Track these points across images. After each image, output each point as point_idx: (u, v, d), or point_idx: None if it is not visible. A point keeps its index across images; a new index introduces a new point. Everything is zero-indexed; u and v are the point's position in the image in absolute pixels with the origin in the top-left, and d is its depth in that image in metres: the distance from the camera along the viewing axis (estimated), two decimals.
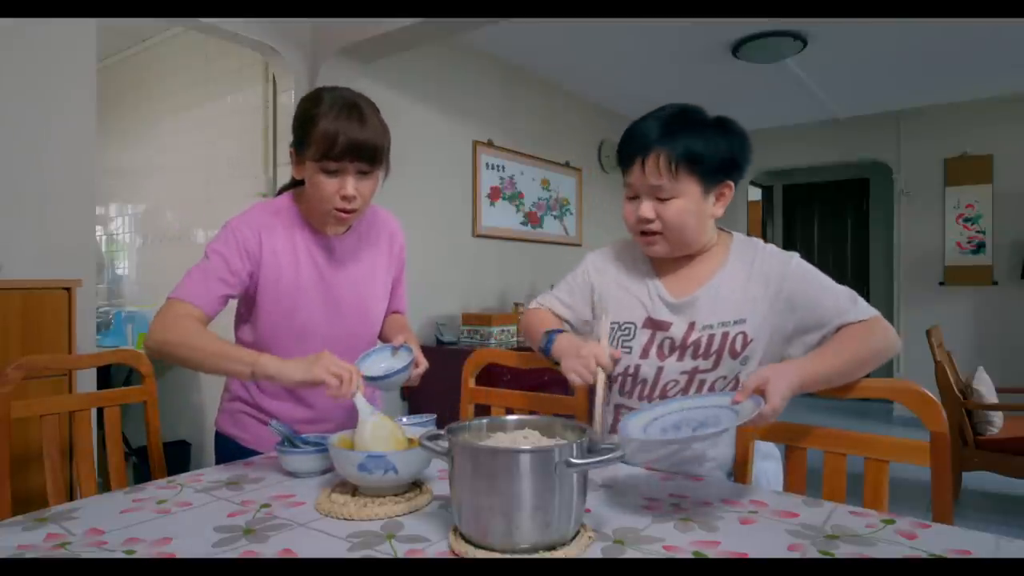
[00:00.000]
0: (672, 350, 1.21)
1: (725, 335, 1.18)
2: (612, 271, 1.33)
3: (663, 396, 1.20)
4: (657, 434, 1.00)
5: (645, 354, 1.22)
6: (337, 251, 1.38)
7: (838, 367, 1.08)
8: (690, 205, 1.16)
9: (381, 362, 1.29)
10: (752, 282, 1.19)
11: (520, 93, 4.39)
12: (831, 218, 6.83)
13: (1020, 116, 4.87)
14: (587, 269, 1.37)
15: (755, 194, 6.93)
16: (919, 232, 5.27)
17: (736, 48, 3.90)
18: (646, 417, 1.04)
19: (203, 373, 1.25)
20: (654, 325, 1.23)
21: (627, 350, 1.24)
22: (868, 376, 1.13)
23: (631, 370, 1.24)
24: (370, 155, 1.23)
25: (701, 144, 1.13)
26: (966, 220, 5.09)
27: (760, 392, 0.97)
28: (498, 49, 4.03)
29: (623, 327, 1.26)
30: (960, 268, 5.10)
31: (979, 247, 5.04)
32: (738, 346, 1.17)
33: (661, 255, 1.24)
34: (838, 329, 1.13)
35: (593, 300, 1.34)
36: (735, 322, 1.18)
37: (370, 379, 1.23)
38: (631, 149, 1.17)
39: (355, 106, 1.23)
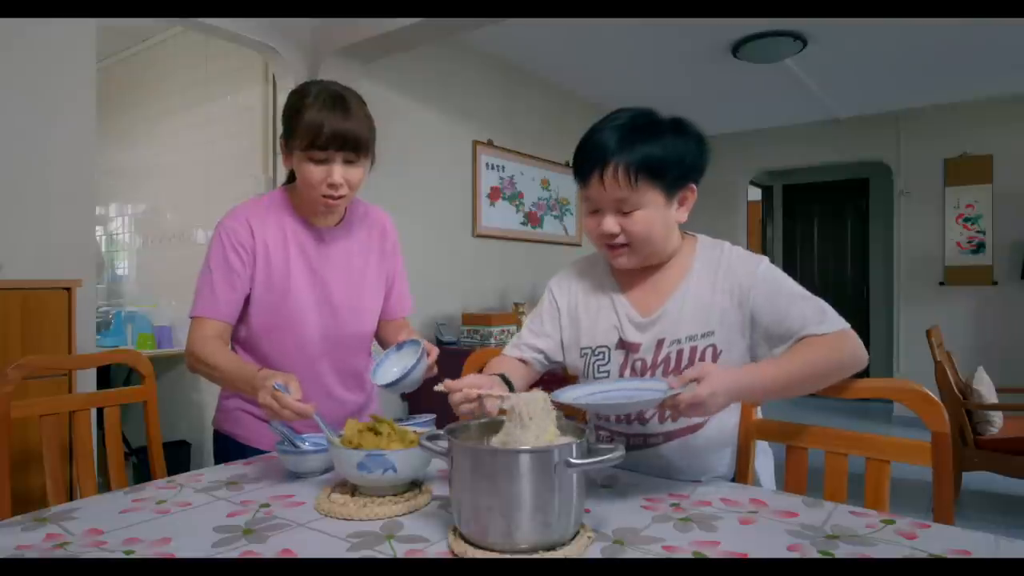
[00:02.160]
0: (644, 371, 1.17)
1: (694, 349, 1.14)
2: (578, 294, 1.28)
3: (640, 419, 1.18)
4: (586, 403, 1.00)
5: (621, 376, 1.19)
6: (327, 240, 1.39)
7: (787, 375, 1.03)
8: (654, 214, 1.12)
9: (392, 366, 1.24)
10: (718, 290, 1.15)
11: (520, 93, 4.39)
12: (831, 218, 6.83)
13: (1020, 116, 4.87)
14: (551, 294, 1.32)
15: (755, 194, 6.93)
16: (919, 232, 5.26)
17: (736, 48, 3.90)
18: (583, 391, 1.04)
19: None
20: (626, 347, 1.19)
21: (604, 374, 1.20)
22: (865, 377, 1.12)
23: None
24: (354, 144, 1.27)
25: (660, 150, 1.08)
26: (966, 220, 5.09)
27: (697, 382, 0.94)
28: (498, 49, 4.03)
29: (596, 352, 1.22)
30: (960, 268, 5.10)
31: (979, 247, 5.04)
32: (708, 359, 1.14)
33: (629, 267, 1.19)
34: (802, 339, 1.08)
35: (562, 324, 1.29)
36: (703, 335, 1.14)
37: (388, 386, 1.19)
38: (588, 162, 1.11)
39: (340, 98, 1.27)
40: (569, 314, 1.28)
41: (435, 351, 1.27)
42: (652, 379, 1.10)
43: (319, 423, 1.11)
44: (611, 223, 1.13)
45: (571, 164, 1.18)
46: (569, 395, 1.02)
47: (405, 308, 1.55)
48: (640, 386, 1.05)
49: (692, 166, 1.13)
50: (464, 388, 1.03)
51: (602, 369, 1.21)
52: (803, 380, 1.05)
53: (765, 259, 1.17)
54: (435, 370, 1.25)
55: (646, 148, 1.08)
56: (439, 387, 1.05)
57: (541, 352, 1.29)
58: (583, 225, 1.20)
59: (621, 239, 1.14)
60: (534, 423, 0.88)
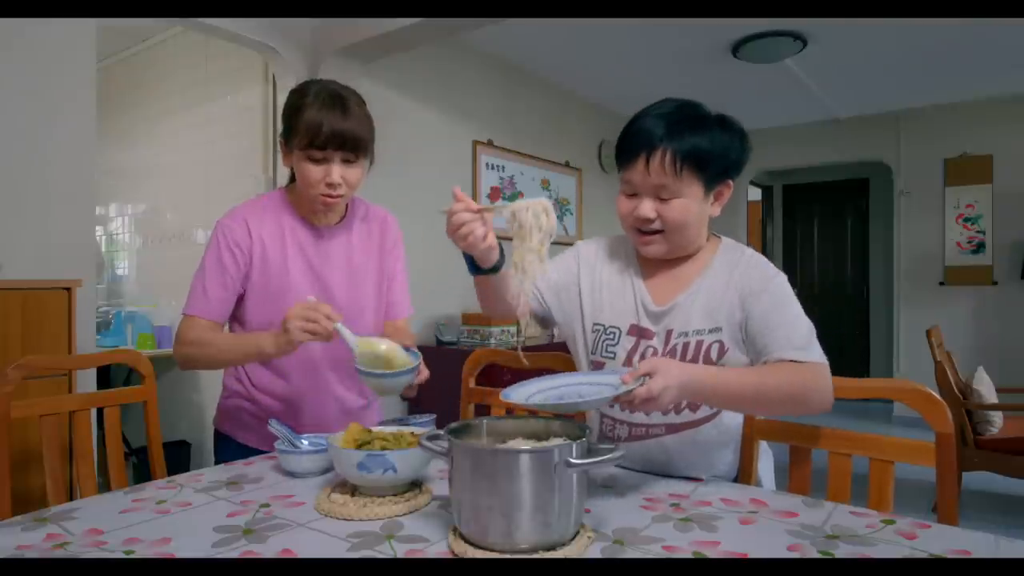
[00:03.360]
0: None
1: (700, 343, 1.15)
2: (603, 269, 1.28)
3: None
4: (538, 402, 0.99)
5: (628, 362, 1.19)
6: (326, 238, 1.40)
7: (741, 385, 1.03)
8: (692, 205, 1.13)
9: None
10: (730, 289, 1.15)
11: (520, 93, 4.39)
12: (831, 218, 6.83)
13: (1020, 116, 4.87)
14: (577, 253, 1.31)
15: (755, 194, 6.93)
16: (919, 232, 5.26)
17: (736, 48, 3.90)
18: (535, 387, 1.03)
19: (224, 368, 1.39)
20: (639, 333, 1.20)
21: (610, 356, 1.21)
22: (865, 377, 1.12)
23: None
24: (353, 144, 1.27)
25: (707, 143, 1.10)
26: (966, 220, 5.09)
27: (649, 376, 0.94)
28: (498, 49, 4.03)
29: (608, 331, 1.22)
30: (960, 268, 5.10)
31: (979, 247, 5.04)
32: (714, 355, 1.14)
33: (658, 255, 1.20)
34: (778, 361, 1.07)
35: (581, 286, 1.27)
36: (710, 330, 1.15)
37: (369, 375, 1.18)
38: (635, 146, 1.12)
39: (339, 97, 1.27)
40: (592, 285, 1.27)
41: (425, 374, 1.24)
42: (606, 373, 1.10)
43: (343, 332, 1.15)
44: (648, 208, 1.13)
45: (615, 147, 1.18)
46: (520, 393, 1.01)
47: (403, 310, 1.52)
48: (593, 380, 1.04)
49: (734, 162, 1.15)
50: (467, 205, 1.03)
51: (610, 349, 1.21)
52: (756, 397, 1.04)
53: (782, 275, 1.17)
54: (414, 392, 1.26)
55: (694, 139, 1.09)
56: (443, 209, 1.05)
57: (539, 293, 1.28)
58: (617, 208, 1.20)
59: (656, 225, 1.15)
60: (536, 228, 0.96)
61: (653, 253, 1.19)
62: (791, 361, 1.06)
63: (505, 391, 1.01)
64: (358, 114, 1.28)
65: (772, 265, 1.19)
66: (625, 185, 1.17)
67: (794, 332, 1.09)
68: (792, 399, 1.05)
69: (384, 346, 1.16)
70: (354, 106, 1.28)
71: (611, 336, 1.22)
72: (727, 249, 1.23)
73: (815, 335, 1.10)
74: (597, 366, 1.22)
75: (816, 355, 1.07)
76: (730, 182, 1.18)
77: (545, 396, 1.02)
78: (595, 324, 1.25)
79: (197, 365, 1.31)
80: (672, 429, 1.17)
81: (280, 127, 1.35)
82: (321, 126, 1.23)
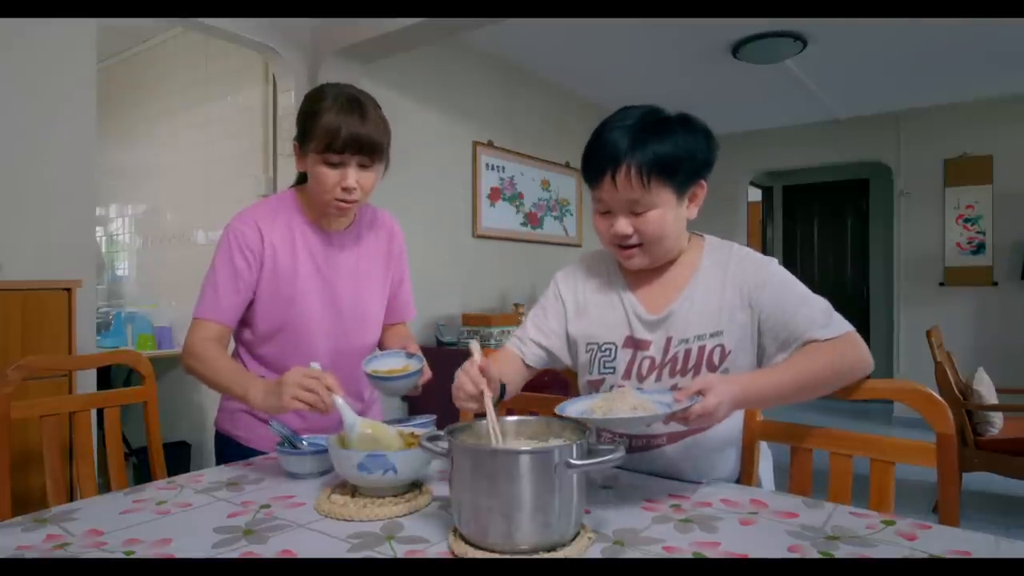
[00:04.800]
0: (652, 369, 1.16)
1: (701, 349, 1.14)
2: (586, 289, 1.26)
3: None
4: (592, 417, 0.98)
5: (628, 375, 1.18)
6: (335, 244, 1.39)
7: (789, 383, 1.03)
8: (667, 214, 1.11)
9: (395, 366, 1.29)
10: (728, 290, 1.14)
11: (520, 93, 4.39)
12: (831, 218, 6.83)
13: (1020, 116, 4.87)
14: (557, 289, 1.30)
15: (755, 194, 6.92)
16: (919, 232, 5.26)
17: (736, 48, 3.90)
18: (587, 404, 1.02)
19: None
20: (634, 344, 1.18)
21: (609, 371, 1.20)
22: (866, 377, 1.11)
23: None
24: (370, 149, 1.26)
25: (671, 148, 1.07)
26: (966, 220, 5.08)
27: (701, 395, 0.94)
28: (498, 49, 4.03)
29: (603, 348, 1.21)
30: (960, 269, 5.10)
31: (979, 247, 5.04)
32: (716, 359, 1.13)
33: (642, 267, 1.18)
34: (806, 344, 1.07)
35: (567, 318, 1.27)
36: (711, 335, 1.13)
37: (378, 379, 1.24)
38: (599, 163, 1.10)
39: (357, 101, 1.26)
40: (577, 308, 1.26)
41: (428, 374, 1.29)
42: (656, 392, 1.07)
43: (341, 407, 1.11)
44: (624, 225, 1.12)
45: (580, 165, 1.16)
46: (574, 408, 1.01)
47: (407, 313, 1.55)
48: (646, 399, 1.03)
49: (703, 162, 1.13)
50: (475, 381, 1.02)
51: (608, 365, 1.20)
52: (804, 387, 1.04)
53: (774, 260, 1.17)
54: (419, 391, 1.30)
55: (657, 147, 1.07)
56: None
57: (545, 350, 1.27)
58: (593, 225, 1.19)
59: (634, 239, 1.13)
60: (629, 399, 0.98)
61: (636, 265, 1.18)
62: (821, 340, 1.06)
63: (561, 405, 1.00)
64: (375, 118, 1.27)
65: (760, 254, 1.18)
66: (598, 203, 1.15)
67: (813, 310, 1.09)
68: (838, 376, 1.07)
69: (371, 429, 1.10)
70: (371, 110, 1.27)
71: (607, 352, 1.20)
72: (714, 248, 1.21)
73: (831, 306, 1.11)
74: (595, 384, 1.21)
75: (843, 326, 1.08)
76: (703, 182, 1.16)
77: (601, 413, 1.00)
78: (588, 344, 1.23)
79: (197, 377, 1.30)
80: (673, 438, 1.16)
81: (287, 131, 1.34)
82: (339, 130, 1.22)
